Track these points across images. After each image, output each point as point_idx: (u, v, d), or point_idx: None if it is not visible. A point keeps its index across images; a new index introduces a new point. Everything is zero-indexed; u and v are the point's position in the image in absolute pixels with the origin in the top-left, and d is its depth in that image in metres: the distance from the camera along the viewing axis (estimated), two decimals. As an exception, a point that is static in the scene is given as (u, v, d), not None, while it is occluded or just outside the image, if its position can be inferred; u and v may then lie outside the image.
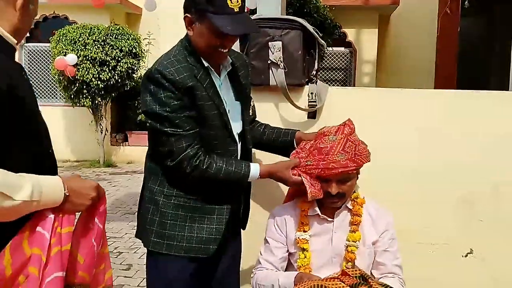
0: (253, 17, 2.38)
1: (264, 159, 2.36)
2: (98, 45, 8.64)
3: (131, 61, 8.94)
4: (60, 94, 9.82)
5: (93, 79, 8.59)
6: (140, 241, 2.04)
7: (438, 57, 7.16)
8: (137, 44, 9.09)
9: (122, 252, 4.68)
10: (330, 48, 9.23)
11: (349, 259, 1.95)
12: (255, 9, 2.56)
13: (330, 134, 1.92)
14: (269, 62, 2.32)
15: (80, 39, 8.61)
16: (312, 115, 2.40)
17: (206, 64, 1.86)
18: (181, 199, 1.93)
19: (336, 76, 10.75)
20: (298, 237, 1.98)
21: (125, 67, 8.82)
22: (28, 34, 9.89)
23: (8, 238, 1.36)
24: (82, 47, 8.58)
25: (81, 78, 8.58)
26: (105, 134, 9.50)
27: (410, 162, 2.40)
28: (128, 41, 8.88)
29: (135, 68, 9.13)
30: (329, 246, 1.99)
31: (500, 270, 2.41)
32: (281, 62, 2.30)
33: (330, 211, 2.00)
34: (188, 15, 1.82)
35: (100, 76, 8.63)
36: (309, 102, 2.38)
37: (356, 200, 2.01)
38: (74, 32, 8.70)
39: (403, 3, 9.93)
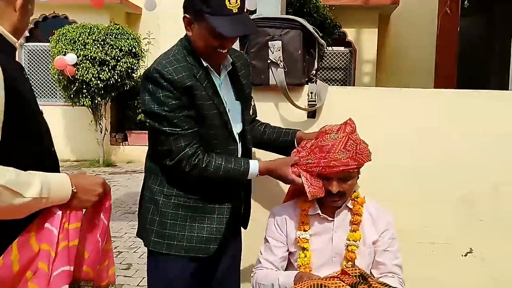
0: (253, 16, 2.38)
1: (264, 158, 2.36)
2: (98, 45, 8.64)
3: (131, 60, 8.95)
4: (59, 94, 9.82)
5: (93, 79, 8.60)
6: (140, 240, 2.04)
7: (438, 56, 7.16)
8: (137, 43, 9.10)
9: (121, 252, 4.69)
10: (330, 48, 9.24)
11: (349, 259, 1.95)
12: (255, 10, 2.56)
13: (332, 132, 1.92)
14: (269, 61, 2.32)
15: (80, 38, 8.62)
16: (312, 114, 2.40)
17: (205, 64, 1.86)
18: (181, 199, 1.93)
19: (336, 75, 10.75)
20: (299, 237, 1.98)
21: (124, 66, 8.82)
22: (28, 34, 10.01)
23: (16, 235, 1.38)
24: (82, 47, 8.58)
25: (81, 78, 8.59)
26: (105, 133, 9.51)
27: (410, 162, 2.40)
28: (128, 41, 8.89)
29: (134, 68, 9.14)
30: (329, 246, 1.99)
31: (500, 269, 2.41)
32: (281, 61, 2.30)
33: (330, 211, 2.00)
34: (187, 16, 1.82)
35: (100, 75, 8.64)
36: (309, 101, 2.38)
37: (357, 199, 2.01)
38: (74, 31, 8.70)
39: (403, 2, 9.94)
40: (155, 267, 2.00)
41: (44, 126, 1.52)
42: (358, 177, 1.98)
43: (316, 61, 2.44)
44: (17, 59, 1.50)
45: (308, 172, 1.92)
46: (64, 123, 9.91)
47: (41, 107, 1.53)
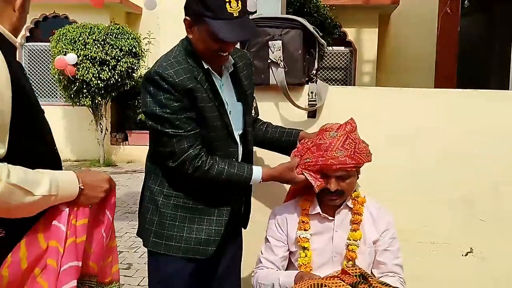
0: (253, 16, 2.38)
1: (265, 158, 2.36)
2: (98, 45, 8.64)
3: (131, 60, 8.94)
4: (60, 94, 9.81)
5: (93, 79, 8.59)
6: (140, 240, 2.04)
7: (438, 56, 7.16)
8: (137, 43, 9.09)
9: (122, 252, 4.68)
10: (330, 48, 9.24)
11: (350, 258, 1.95)
12: (255, 12, 2.56)
13: (332, 130, 1.93)
14: (269, 61, 2.32)
15: (80, 38, 8.61)
16: (312, 114, 2.40)
17: (206, 66, 1.85)
18: (180, 200, 1.93)
19: (336, 75, 10.75)
20: (299, 236, 1.98)
21: (125, 66, 8.82)
22: (28, 34, 10.01)
23: (24, 232, 1.41)
24: (82, 47, 8.58)
25: (81, 78, 8.58)
26: (105, 133, 9.51)
27: (410, 161, 2.40)
28: (128, 41, 8.88)
29: (135, 68, 9.13)
30: (329, 245, 1.99)
31: (500, 269, 2.42)
32: (281, 61, 2.30)
33: (331, 210, 2.00)
34: (188, 18, 1.81)
35: (100, 75, 8.63)
36: (309, 101, 2.38)
37: (357, 199, 2.01)
38: (74, 31, 8.70)
39: (403, 2, 9.93)
40: (155, 267, 2.00)
41: (47, 125, 1.53)
42: (358, 177, 1.98)
43: (316, 61, 2.44)
44: (17, 58, 1.51)
45: (308, 170, 1.93)
46: (65, 123, 9.91)
47: (42, 107, 1.54)
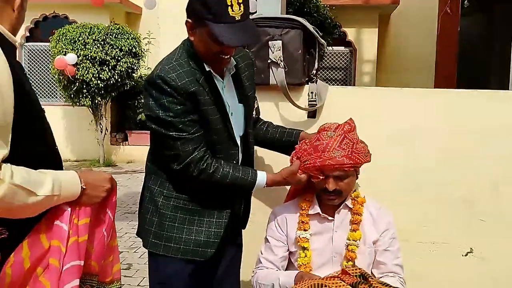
0: (253, 16, 2.37)
1: (265, 158, 2.36)
2: (98, 45, 8.64)
3: (131, 60, 8.94)
4: (60, 94, 9.81)
5: (93, 79, 8.59)
6: (140, 240, 2.04)
7: (438, 56, 7.16)
8: (137, 43, 9.09)
9: (122, 252, 4.68)
10: (330, 48, 9.24)
11: (350, 258, 1.95)
12: (255, 12, 2.55)
13: (330, 130, 1.93)
14: (269, 61, 2.32)
15: (80, 38, 8.61)
16: (312, 114, 2.40)
17: (207, 68, 1.84)
18: (180, 201, 1.92)
19: (336, 75, 10.75)
20: (299, 236, 1.98)
21: (125, 66, 8.81)
22: (28, 34, 10.01)
23: (26, 232, 1.41)
24: (82, 47, 8.58)
25: (81, 78, 8.58)
26: (105, 133, 9.50)
27: (410, 161, 2.40)
28: (128, 41, 8.88)
29: (135, 68, 9.13)
30: (329, 245, 1.99)
31: (500, 269, 2.42)
32: (281, 61, 2.30)
33: (330, 210, 2.00)
34: (189, 21, 1.79)
35: (100, 75, 8.63)
36: (309, 101, 2.38)
37: (357, 199, 2.01)
38: (74, 31, 8.69)
39: (403, 2, 9.94)
40: (154, 268, 2.00)
41: (47, 124, 1.53)
42: (357, 177, 1.98)
43: (316, 60, 2.44)
44: (17, 58, 1.51)
45: (308, 171, 1.93)
46: (64, 123, 9.91)
47: (42, 107, 1.54)
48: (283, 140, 2.16)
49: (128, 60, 8.86)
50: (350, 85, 9.98)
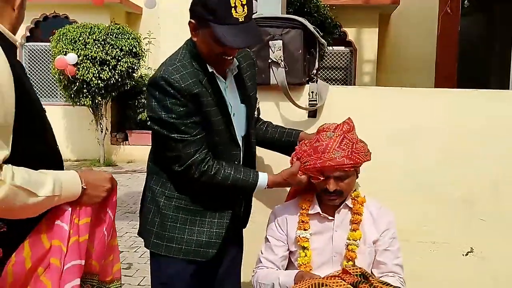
0: (253, 16, 2.37)
1: (265, 158, 2.36)
2: (99, 44, 8.64)
3: (131, 60, 8.94)
4: (60, 94, 9.82)
5: (93, 78, 8.59)
6: (140, 240, 2.04)
7: (438, 56, 7.15)
8: (137, 43, 9.09)
9: (122, 251, 4.68)
10: (330, 48, 9.24)
11: (350, 258, 1.95)
12: (255, 12, 2.55)
13: (329, 131, 1.93)
14: (269, 61, 2.32)
15: (80, 38, 8.61)
16: (313, 114, 2.40)
17: (210, 69, 1.84)
18: (182, 201, 1.93)
19: (336, 75, 10.75)
20: (299, 236, 1.98)
21: (125, 66, 8.82)
22: (28, 34, 10.01)
23: (27, 232, 1.42)
24: (82, 46, 8.58)
25: (81, 78, 8.58)
26: (105, 133, 9.51)
27: (410, 161, 2.40)
28: (128, 41, 8.88)
29: (135, 68, 9.14)
30: (329, 245, 1.99)
31: (500, 269, 2.42)
32: (281, 61, 2.30)
33: (330, 210, 2.00)
34: (192, 21, 1.79)
35: (100, 75, 8.63)
36: (309, 101, 2.38)
37: (357, 198, 2.01)
38: (74, 31, 8.70)
39: (403, 2, 9.93)
40: (156, 268, 2.01)
41: (48, 124, 1.53)
42: (357, 176, 1.98)
43: (316, 60, 2.44)
44: (17, 58, 1.51)
45: (308, 172, 1.93)
46: (65, 122, 9.91)
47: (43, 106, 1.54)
48: (283, 140, 2.16)
49: (128, 60, 8.86)
50: (350, 85, 9.99)
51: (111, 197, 1.60)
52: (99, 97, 8.93)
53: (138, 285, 3.96)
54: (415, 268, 2.33)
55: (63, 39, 8.68)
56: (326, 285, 1.67)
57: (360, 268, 1.78)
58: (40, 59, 10.41)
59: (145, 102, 1.86)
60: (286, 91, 2.31)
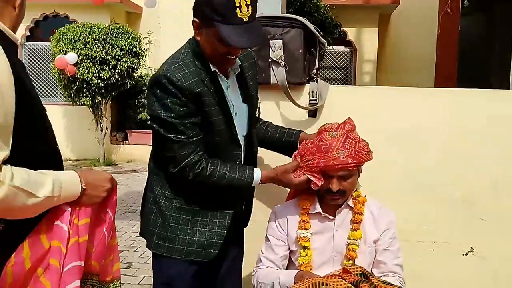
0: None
1: (265, 158, 2.36)
2: (99, 44, 8.64)
3: (131, 60, 8.94)
4: (60, 93, 9.82)
5: (93, 78, 8.59)
6: (140, 239, 2.05)
7: (438, 56, 7.15)
8: (137, 43, 9.09)
9: (122, 251, 4.68)
10: (330, 47, 9.24)
11: (350, 257, 1.95)
12: None
13: (331, 130, 1.92)
14: (270, 60, 2.32)
15: (80, 38, 8.62)
16: (313, 113, 2.40)
17: (213, 68, 1.83)
18: (182, 202, 1.92)
19: (337, 75, 10.75)
20: (299, 235, 1.98)
21: (125, 66, 8.82)
22: (28, 33, 10.01)
23: (27, 233, 1.41)
24: (83, 46, 8.58)
25: (81, 77, 8.59)
26: (105, 133, 9.51)
27: (411, 161, 2.40)
28: (128, 40, 8.88)
29: (135, 67, 9.14)
30: (330, 244, 1.99)
31: (501, 268, 2.42)
32: (282, 60, 2.30)
33: (331, 209, 2.00)
34: (196, 20, 1.79)
35: (100, 75, 8.63)
36: (309, 100, 2.38)
37: (358, 198, 2.01)
38: (74, 31, 8.70)
39: (404, 2, 9.93)
40: (158, 269, 2.01)
41: (48, 123, 1.53)
42: (359, 175, 1.98)
43: (317, 60, 2.44)
44: (18, 57, 1.51)
45: (310, 172, 1.92)
46: (65, 122, 9.91)
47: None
48: (283, 140, 2.15)
49: (128, 60, 8.86)
50: (350, 85, 9.99)
51: (111, 197, 1.60)
52: (99, 97, 8.93)
53: (138, 284, 3.96)
54: (415, 267, 2.33)
55: (63, 39, 8.68)
56: (326, 284, 1.67)
57: (360, 267, 1.78)
58: (40, 59, 10.41)
59: (146, 100, 1.85)
60: (286, 90, 2.31)
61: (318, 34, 2.38)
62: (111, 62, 8.68)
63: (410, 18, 10.45)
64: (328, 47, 2.62)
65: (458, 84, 6.44)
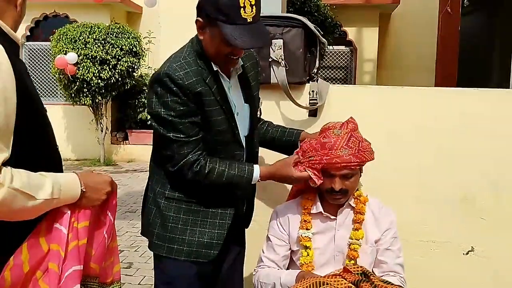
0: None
1: (266, 158, 2.36)
2: (99, 44, 8.64)
3: (132, 59, 8.94)
4: (60, 93, 9.82)
5: (94, 78, 8.59)
6: (141, 239, 2.05)
7: (439, 55, 7.15)
8: (137, 42, 9.09)
9: (122, 251, 4.68)
10: (330, 47, 9.23)
11: (352, 257, 1.95)
12: None
13: (335, 128, 1.92)
14: (270, 60, 2.32)
15: (80, 37, 8.62)
16: (313, 113, 2.40)
17: (215, 68, 1.83)
18: (182, 202, 1.92)
19: (337, 74, 10.76)
20: (301, 235, 1.98)
21: (125, 65, 8.82)
22: (28, 33, 10.01)
23: (25, 235, 1.41)
24: (83, 46, 8.58)
25: (82, 77, 8.59)
26: (106, 132, 9.51)
27: (411, 160, 2.40)
28: (128, 40, 8.88)
29: (135, 67, 9.14)
30: (331, 244, 1.99)
31: (502, 268, 2.42)
32: (282, 60, 2.30)
33: (333, 209, 2.00)
34: (200, 20, 1.78)
35: (101, 74, 8.63)
36: (310, 100, 2.38)
37: (359, 198, 2.01)
38: (74, 30, 8.70)
39: (404, 2, 9.94)
40: (159, 268, 2.01)
41: (49, 124, 1.53)
42: (360, 175, 1.98)
43: (317, 59, 2.44)
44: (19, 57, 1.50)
45: (312, 169, 1.91)
46: (65, 122, 9.91)
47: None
48: (283, 140, 2.15)
49: (128, 59, 8.86)
50: (350, 84, 9.99)
51: (111, 200, 1.58)
52: (99, 97, 8.93)
53: (138, 284, 3.96)
54: (416, 267, 2.33)
55: (63, 39, 8.68)
56: (327, 284, 1.67)
57: (361, 266, 1.78)
58: (40, 59, 10.41)
59: (146, 98, 1.84)
60: (286, 90, 2.31)
61: (319, 34, 2.38)
62: (111, 62, 8.69)
63: (410, 18, 10.46)
64: (328, 46, 2.62)
65: (458, 84, 6.44)
